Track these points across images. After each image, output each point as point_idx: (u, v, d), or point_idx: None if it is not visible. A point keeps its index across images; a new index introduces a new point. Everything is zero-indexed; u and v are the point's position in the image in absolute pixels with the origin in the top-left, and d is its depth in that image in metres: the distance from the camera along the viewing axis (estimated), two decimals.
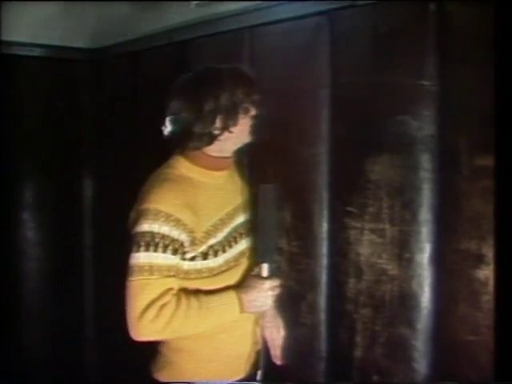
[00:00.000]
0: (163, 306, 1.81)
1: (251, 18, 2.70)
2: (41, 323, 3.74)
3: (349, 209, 2.32)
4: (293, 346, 2.51)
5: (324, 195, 2.43)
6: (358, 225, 2.30)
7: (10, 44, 3.37)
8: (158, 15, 3.30)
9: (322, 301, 2.46)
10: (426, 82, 2.10)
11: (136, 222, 1.87)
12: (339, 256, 2.38)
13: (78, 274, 3.91)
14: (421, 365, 2.15)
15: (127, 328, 1.89)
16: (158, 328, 1.82)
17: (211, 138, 1.90)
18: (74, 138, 3.85)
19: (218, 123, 1.88)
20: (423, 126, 2.11)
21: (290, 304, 2.49)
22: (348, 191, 2.34)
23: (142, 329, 1.82)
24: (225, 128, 1.89)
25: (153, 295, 1.80)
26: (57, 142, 3.77)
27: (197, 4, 2.97)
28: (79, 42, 3.75)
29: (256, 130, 2.02)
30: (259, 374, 2.08)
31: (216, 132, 1.89)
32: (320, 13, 2.43)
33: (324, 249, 2.45)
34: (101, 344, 3.94)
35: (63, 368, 3.71)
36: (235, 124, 1.90)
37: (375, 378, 2.28)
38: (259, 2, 2.65)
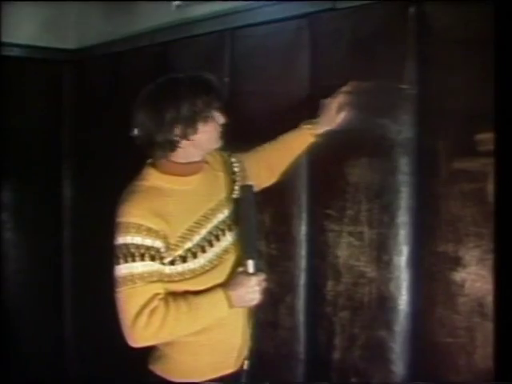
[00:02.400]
0: (152, 311, 1.86)
1: (232, 20, 2.71)
2: (19, 324, 3.71)
3: (328, 211, 2.33)
4: (272, 347, 2.52)
5: (303, 198, 2.44)
6: (337, 227, 2.31)
7: None
8: (139, 16, 3.30)
9: (301, 303, 2.48)
10: (405, 86, 2.11)
11: (115, 236, 1.93)
12: (318, 258, 2.39)
13: (57, 275, 3.90)
14: (398, 367, 2.17)
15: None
16: (151, 333, 1.86)
17: (173, 146, 1.96)
18: (54, 139, 3.83)
19: (178, 131, 1.93)
20: (402, 129, 2.13)
21: (269, 306, 2.49)
22: (327, 194, 2.35)
23: (137, 336, 1.87)
24: (184, 136, 1.94)
25: (140, 302, 1.85)
26: (36, 143, 3.75)
27: (178, 6, 2.97)
28: (61, 42, 3.73)
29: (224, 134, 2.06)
30: (246, 363, 2.14)
31: (176, 139, 1.95)
32: (300, 16, 2.44)
33: (303, 251, 2.46)
34: (81, 343, 3.92)
35: (44, 367, 3.71)
36: (195, 132, 1.94)
37: (353, 379, 2.29)
38: (240, 4, 2.66)
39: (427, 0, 2.07)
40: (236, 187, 2.19)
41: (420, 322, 2.12)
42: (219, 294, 1.94)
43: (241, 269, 2.02)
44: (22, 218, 3.75)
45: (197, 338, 2.00)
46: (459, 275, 1.98)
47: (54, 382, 3.72)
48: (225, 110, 2.01)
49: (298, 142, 2.35)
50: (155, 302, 1.87)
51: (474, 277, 1.93)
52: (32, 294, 3.77)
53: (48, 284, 3.86)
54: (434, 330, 2.06)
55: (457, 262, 1.98)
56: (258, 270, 1.99)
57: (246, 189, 2.04)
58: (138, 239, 1.86)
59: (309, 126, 2.31)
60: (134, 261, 1.86)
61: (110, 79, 3.51)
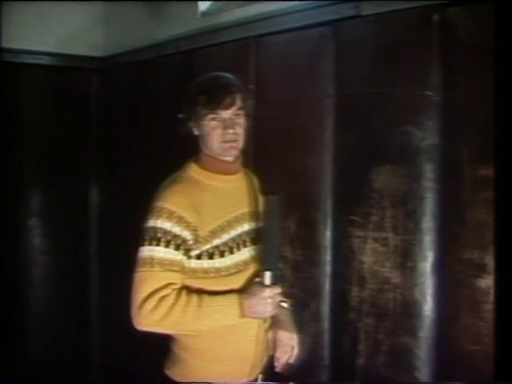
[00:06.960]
0: (162, 298, 1.87)
1: (257, 27, 2.73)
2: (46, 329, 3.76)
3: (352, 218, 2.34)
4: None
5: (328, 204, 2.45)
6: (362, 233, 2.31)
7: (18, 52, 3.41)
8: (165, 24, 3.33)
9: (326, 309, 2.48)
10: (429, 93, 2.12)
11: (146, 218, 1.96)
12: (343, 264, 2.40)
13: (84, 281, 3.94)
14: (423, 373, 2.16)
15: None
16: (156, 319, 1.88)
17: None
18: (81, 146, 3.88)
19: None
20: (427, 136, 2.13)
21: (294, 312, 2.50)
22: (352, 200, 2.35)
23: (142, 318, 1.89)
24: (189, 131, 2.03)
25: (153, 287, 1.87)
26: (64, 150, 3.79)
27: (203, 13, 2.99)
28: (87, 50, 3.79)
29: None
30: (260, 378, 2.10)
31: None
32: (324, 23, 2.46)
33: (328, 257, 2.46)
34: (105, 350, 3.95)
35: (69, 373, 3.73)
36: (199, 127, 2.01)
37: None
38: (264, 11, 2.67)
39: (451, 7, 2.07)
40: None
41: (445, 328, 2.12)
42: (233, 299, 1.94)
43: (258, 279, 2.00)
44: (49, 224, 3.80)
45: (212, 344, 2.01)
46: (484, 282, 1.97)
47: None
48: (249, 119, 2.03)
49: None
50: (168, 290, 1.88)
51: None
52: (59, 300, 3.81)
53: (75, 290, 3.89)
54: (459, 336, 2.06)
55: (482, 269, 1.98)
56: (276, 282, 1.95)
57: (271, 200, 2.00)
58: (167, 225, 1.90)
59: None
60: (158, 245, 1.89)
61: (136, 87, 3.54)
